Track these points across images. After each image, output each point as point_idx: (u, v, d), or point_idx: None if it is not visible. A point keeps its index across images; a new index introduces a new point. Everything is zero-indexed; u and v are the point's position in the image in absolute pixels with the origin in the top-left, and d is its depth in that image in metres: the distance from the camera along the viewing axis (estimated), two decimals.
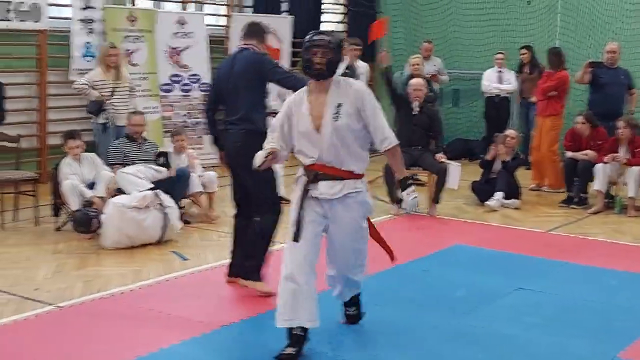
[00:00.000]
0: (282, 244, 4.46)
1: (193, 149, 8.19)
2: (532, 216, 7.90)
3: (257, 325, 4.58)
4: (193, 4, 10.99)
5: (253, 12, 11.20)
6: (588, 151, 8.30)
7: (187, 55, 10.14)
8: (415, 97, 8.04)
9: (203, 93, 10.23)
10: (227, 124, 5.11)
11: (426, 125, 8.00)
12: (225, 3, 11.44)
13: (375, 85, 11.09)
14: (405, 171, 4.21)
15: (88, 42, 9.11)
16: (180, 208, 7.28)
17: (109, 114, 7.80)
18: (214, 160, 9.98)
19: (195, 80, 10.26)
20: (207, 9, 11.38)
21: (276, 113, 4.33)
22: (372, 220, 4.33)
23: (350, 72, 9.06)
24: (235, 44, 10.00)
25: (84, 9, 9.10)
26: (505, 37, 11.95)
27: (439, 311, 4.83)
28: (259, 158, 3.99)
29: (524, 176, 8.97)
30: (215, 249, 6.30)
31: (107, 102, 7.81)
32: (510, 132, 8.67)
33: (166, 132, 9.43)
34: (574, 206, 8.26)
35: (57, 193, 6.88)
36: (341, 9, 13.08)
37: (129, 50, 9.40)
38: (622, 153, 8.07)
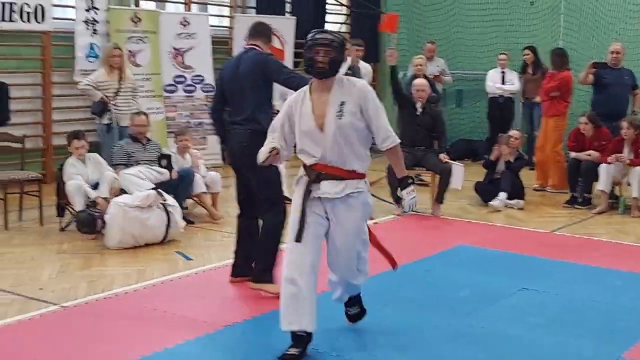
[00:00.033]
0: (285, 244, 4.46)
1: (196, 149, 8.20)
2: (536, 216, 7.89)
3: (261, 325, 4.59)
4: (196, 5, 11.01)
5: (256, 13, 11.21)
6: (591, 151, 8.30)
7: (190, 56, 10.15)
8: (418, 98, 8.05)
9: (206, 94, 10.25)
10: (233, 124, 5.12)
11: (429, 125, 8.01)
12: (229, 4, 11.46)
13: (378, 86, 11.10)
14: (406, 171, 4.20)
15: (92, 43, 9.14)
16: (184, 208, 7.31)
17: (113, 115, 7.82)
18: (217, 160, 10.07)
19: (198, 81, 10.27)
20: (211, 9, 11.40)
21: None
22: (375, 220, 4.33)
23: (353, 73, 9.05)
24: (238, 44, 10.02)
25: (88, 10, 9.12)
26: (508, 38, 11.94)
27: (441, 311, 4.83)
28: (262, 154, 4.00)
29: (527, 176, 8.97)
30: (218, 249, 6.31)
31: (111, 102, 7.84)
32: (513, 132, 8.67)
33: (170, 132, 9.45)
34: (578, 206, 8.26)
35: (61, 193, 6.90)
36: (344, 10, 13.09)
37: (132, 51, 9.42)
38: (626, 153, 8.06)
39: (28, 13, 8.44)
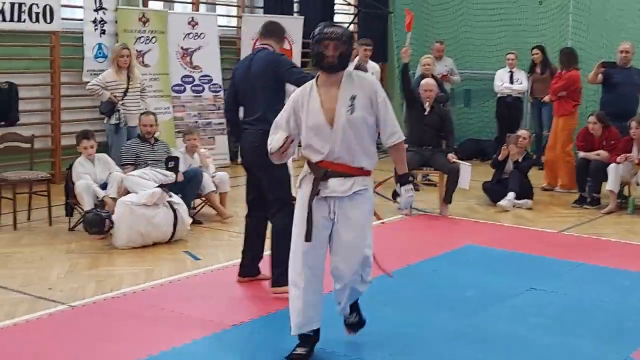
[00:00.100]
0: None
1: (204, 149, 8.21)
2: (545, 216, 7.87)
3: (268, 324, 4.59)
4: (204, 5, 11.03)
5: (264, 13, 11.22)
6: (600, 151, 8.27)
7: (198, 56, 10.18)
8: (425, 98, 8.04)
9: (214, 94, 10.27)
10: (245, 124, 5.11)
11: (437, 125, 8.00)
12: (237, 4, 11.47)
13: (386, 86, 11.08)
14: (407, 168, 4.16)
15: (100, 43, 9.17)
16: (193, 208, 7.32)
17: (121, 115, 7.85)
18: (225, 160, 10.09)
19: (206, 81, 10.29)
20: (219, 10, 11.41)
21: None
22: (383, 220, 4.29)
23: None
24: (246, 44, 10.05)
25: (97, 10, 9.15)
26: (517, 38, 11.90)
27: (447, 311, 4.82)
28: (276, 142, 3.90)
29: (536, 176, 8.94)
30: (226, 248, 6.32)
31: (120, 102, 7.86)
32: (522, 132, 8.64)
33: (178, 132, 9.47)
34: (587, 206, 8.23)
35: (70, 193, 6.92)
36: (352, 9, 13.08)
37: (140, 51, 9.45)
38: (635, 153, 8.03)
39: (37, 13, 8.48)
